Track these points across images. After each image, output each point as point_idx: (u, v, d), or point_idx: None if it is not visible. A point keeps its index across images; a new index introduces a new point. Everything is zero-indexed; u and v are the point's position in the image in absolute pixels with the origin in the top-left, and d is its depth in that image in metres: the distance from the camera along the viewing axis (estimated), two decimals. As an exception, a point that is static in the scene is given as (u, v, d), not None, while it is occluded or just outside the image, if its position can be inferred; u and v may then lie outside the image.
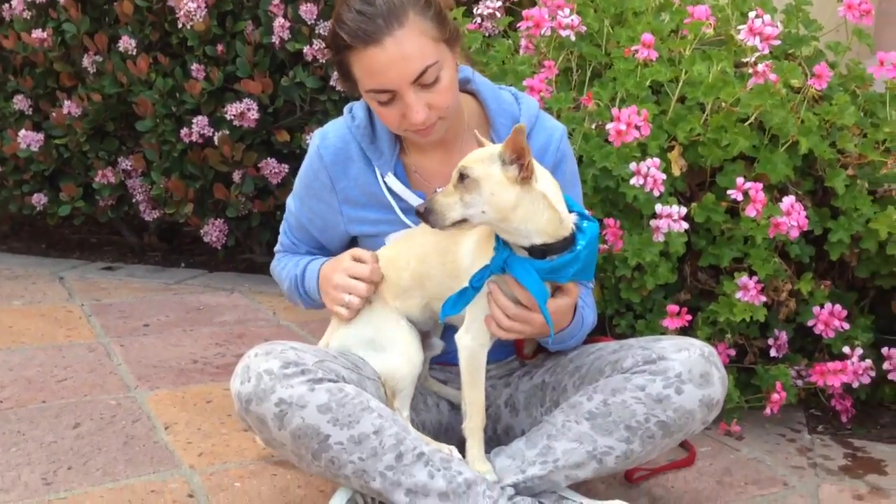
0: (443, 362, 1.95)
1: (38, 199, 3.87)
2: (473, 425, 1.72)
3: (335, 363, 1.68)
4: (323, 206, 1.92)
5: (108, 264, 3.94)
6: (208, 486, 1.90)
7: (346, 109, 1.92)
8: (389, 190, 1.86)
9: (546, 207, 1.59)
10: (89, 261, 4.00)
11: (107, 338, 2.86)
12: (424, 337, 1.86)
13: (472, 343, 1.71)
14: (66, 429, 2.15)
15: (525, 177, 1.57)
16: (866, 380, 2.18)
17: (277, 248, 2.08)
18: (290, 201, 2.00)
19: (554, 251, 1.62)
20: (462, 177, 1.57)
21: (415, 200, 1.84)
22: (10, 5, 3.67)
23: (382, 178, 1.86)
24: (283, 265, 2.02)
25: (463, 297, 1.65)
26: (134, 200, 3.84)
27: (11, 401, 2.30)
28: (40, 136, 3.73)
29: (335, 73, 3.36)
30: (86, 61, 3.60)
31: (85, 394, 2.37)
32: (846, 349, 2.20)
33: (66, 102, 3.65)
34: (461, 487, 1.61)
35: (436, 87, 1.69)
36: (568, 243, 1.63)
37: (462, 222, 1.59)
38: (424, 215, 1.58)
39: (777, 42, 2.24)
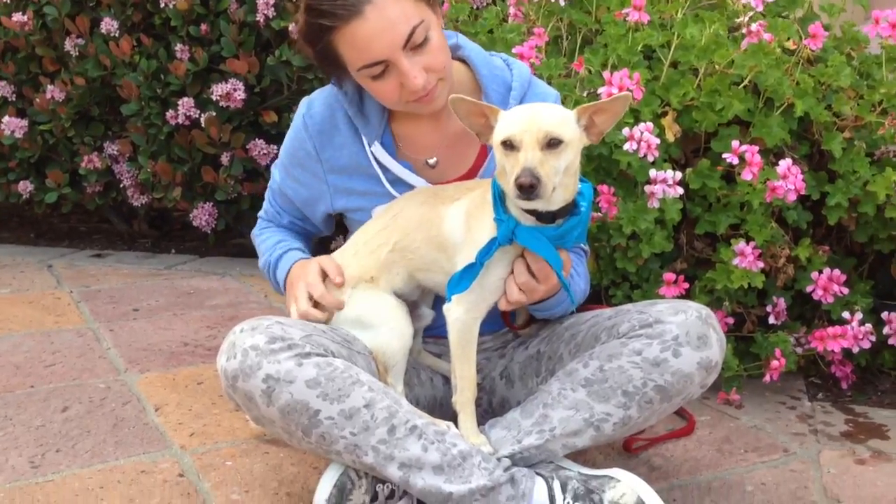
0: (436, 335, 1.91)
1: (25, 187, 3.81)
2: (464, 399, 1.69)
3: (324, 337, 1.64)
4: (308, 176, 1.88)
5: (97, 252, 3.89)
6: (199, 465, 1.86)
7: (333, 78, 1.86)
8: (376, 160, 1.82)
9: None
10: (78, 249, 3.94)
11: (96, 323, 2.82)
12: (413, 307, 1.83)
13: (465, 316, 1.66)
14: (54, 412, 2.11)
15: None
16: (866, 344, 2.15)
17: (261, 213, 2.05)
18: (275, 170, 1.98)
19: (561, 215, 1.58)
20: (552, 142, 1.50)
21: (400, 170, 1.81)
22: (-10, -11, 3.60)
23: (369, 146, 1.81)
24: (263, 239, 2.01)
25: (469, 273, 1.61)
26: (122, 186, 3.78)
27: (-2, 386, 2.26)
28: (24, 122, 3.67)
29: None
30: (68, 45, 3.54)
31: (73, 378, 2.33)
32: (846, 314, 2.17)
33: (50, 87, 3.59)
34: (456, 460, 1.57)
35: (427, 47, 1.66)
36: (571, 206, 1.60)
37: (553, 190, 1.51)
38: (532, 188, 1.46)
39: (770, 0, 2.19)
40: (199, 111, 3.46)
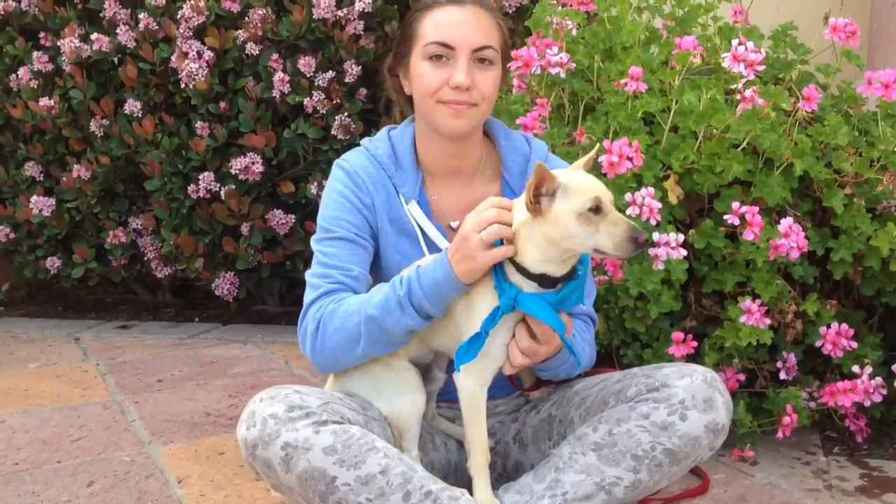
0: (450, 399, 1.95)
1: (52, 263, 3.94)
2: (478, 463, 1.72)
3: (340, 405, 1.68)
4: (362, 221, 1.83)
5: (123, 323, 3.98)
6: (221, 536, 1.90)
7: (362, 143, 1.93)
8: (414, 219, 1.86)
9: None
10: (105, 320, 4.04)
11: (121, 395, 2.89)
12: (425, 371, 1.87)
13: (471, 383, 1.71)
14: (80, 487, 2.16)
15: None
16: (878, 398, 2.16)
17: (313, 296, 1.76)
18: (318, 235, 1.83)
19: (565, 280, 1.64)
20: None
21: (433, 232, 1.85)
22: (17, 75, 3.77)
23: (406, 204, 1.86)
24: (346, 305, 1.72)
25: (475, 342, 1.65)
26: (146, 258, 3.90)
27: (27, 462, 2.32)
28: (52, 200, 3.81)
29: (335, 123, 3.44)
30: (93, 126, 3.69)
31: (99, 452, 2.39)
32: (856, 368, 2.19)
33: (76, 166, 3.73)
34: (470, 525, 1.60)
35: (487, 72, 1.78)
36: (572, 271, 1.65)
37: None
38: (643, 244, 1.57)
39: (762, 67, 2.27)
40: (219, 185, 3.58)
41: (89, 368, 3.22)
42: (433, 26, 1.78)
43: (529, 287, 1.64)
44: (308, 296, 1.78)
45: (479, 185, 1.91)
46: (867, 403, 2.15)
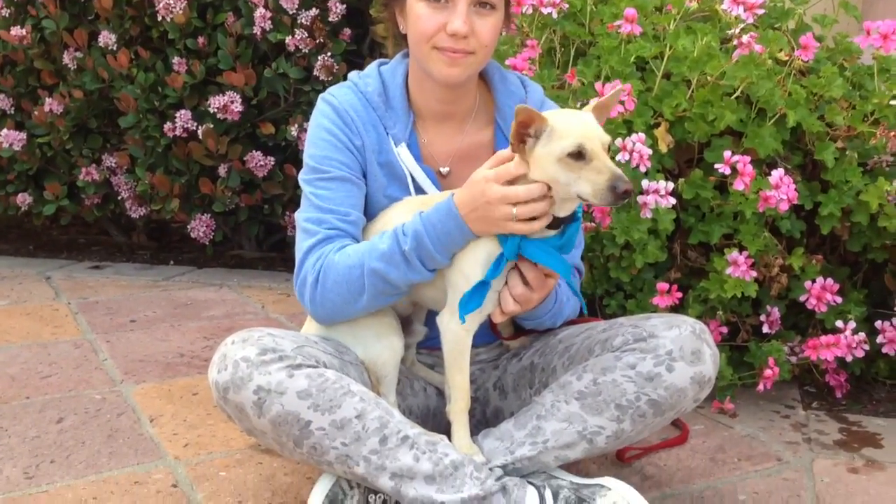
0: (429, 346, 1.91)
1: (23, 199, 3.83)
2: (458, 409, 1.69)
3: (315, 348, 1.64)
4: (354, 158, 1.76)
5: (95, 263, 3.90)
6: (193, 476, 1.86)
7: (349, 79, 1.84)
8: (403, 162, 1.79)
9: None
10: (77, 260, 3.96)
11: (93, 334, 2.83)
12: (406, 323, 1.83)
13: (457, 328, 1.66)
14: (49, 423, 2.11)
15: None
16: (860, 353, 2.15)
17: (310, 243, 1.69)
18: (308, 176, 1.75)
19: (565, 221, 1.60)
20: (608, 148, 1.54)
21: (422, 177, 1.79)
22: (-11, 3, 3.63)
23: (395, 147, 1.79)
24: (346, 256, 1.66)
25: (479, 292, 1.60)
26: (120, 198, 3.80)
27: (-6, 398, 2.27)
28: (23, 135, 3.69)
29: (318, 63, 3.34)
30: (66, 58, 3.56)
31: (69, 389, 2.34)
32: (839, 323, 2.17)
33: (48, 100, 3.61)
34: (448, 469, 1.57)
35: (486, 18, 1.69)
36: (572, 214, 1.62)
37: None
38: (630, 194, 1.49)
39: (761, 11, 2.21)
40: (196, 123, 3.48)
41: (60, 307, 3.15)
42: None
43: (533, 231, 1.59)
44: (303, 242, 1.71)
45: (472, 130, 1.85)
46: (849, 359, 2.15)
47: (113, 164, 3.74)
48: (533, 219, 1.57)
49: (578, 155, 1.51)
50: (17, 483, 1.82)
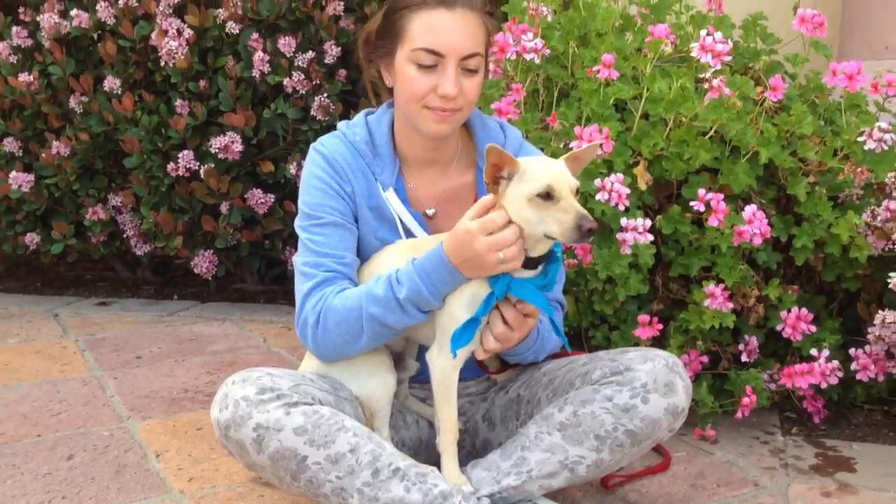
0: (421, 381, 2.00)
1: (31, 239, 3.95)
2: (447, 440, 1.78)
3: (311, 386, 1.74)
4: (346, 205, 1.87)
5: (102, 300, 4.01)
6: (197, 509, 1.96)
7: (339, 128, 1.95)
8: (392, 207, 1.89)
9: None
10: (84, 297, 4.06)
11: (100, 371, 2.93)
12: (399, 359, 1.93)
13: (444, 363, 1.77)
14: (60, 460, 2.21)
15: None
16: (834, 380, 2.24)
17: (309, 286, 1.79)
18: (303, 222, 1.86)
19: (542, 261, 1.71)
20: (576, 191, 1.66)
21: (409, 220, 1.89)
22: (-3, 50, 3.77)
23: (384, 191, 1.89)
24: (345, 299, 1.75)
25: (470, 328, 1.71)
26: (125, 235, 3.92)
27: (7, 436, 2.36)
28: (31, 176, 3.81)
29: (315, 103, 3.47)
30: (72, 102, 3.69)
31: (79, 426, 2.44)
32: (814, 351, 2.27)
33: (55, 143, 3.73)
34: (437, 499, 1.66)
35: (472, 78, 1.80)
36: (549, 253, 1.72)
37: None
38: (593, 232, 1.60)
39: (729, 58, 2.32)
40: (198, 163, 3.60)
41: (68, 344, 3.25)
42: (423, 30, 1.76)
43: (516, 271, 1.69)
44: (303, 285, 1.81)
45: (455, 174, 1.96)
46: (823, 385, 2.23)
47: (118, 203, 3.85)
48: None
49: (547, 196, 1.62)
50: (30, 519, 1.91)
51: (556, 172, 1.65)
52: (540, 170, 1.65)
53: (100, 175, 3.90)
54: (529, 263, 1.70)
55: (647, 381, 1.72)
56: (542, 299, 1.71)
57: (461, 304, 1.72)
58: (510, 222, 1.66)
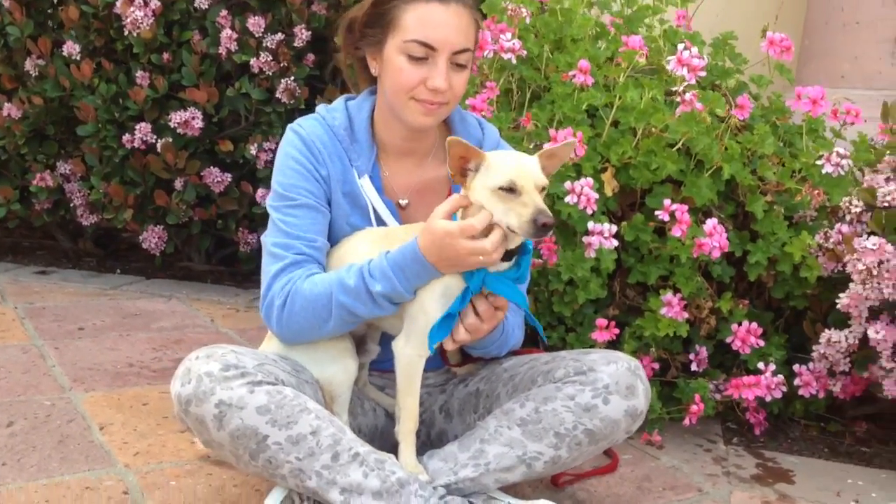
0: (381, 369, 2.01)
1: (-28, 201, 3.81)
2: (406, 429, 1.79)
3: (275, 367, 1.72)
4: (320, 188, 1.86)
5: (41, 268, 3.89)
6: (143, 484, 1.92)
7: (317, 111, 1.93)
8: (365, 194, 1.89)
9: None
10: (22, 265, 3.94)
11: (41, 340, 2.85)
12: (360, 343, 1.93)
13: (411, 353, 1.77)
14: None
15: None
16: (778, 394, 2.31)
17: (277, 267, 1.78)
18: (276, 202, 1.84)
19: (516, 252, 1.72)
20: (543, 188, 1.66)
21: (382, 208, 1.89)
22: (-49, 7, 3.63)
23: (359, 178, 1.89)
24: (313, 284, 1.74)
25: (447, 323, 1.71)
26: (71, 205, 3.81)
27: (-58, 400, 2.28)
28: (-23, 136, 3.68)
29: (281, 86, 3.43)
30: (28, 65, 3.58)
31: (19, 394, 2.37)
32: (760, 365, 2.34)
33: (6, 105, 3.62)
34: (394, 486, 1.67)
35: (460, 73, 1.81)
36: (521, 246, 1.74)
37: None
38: (550, 227, 1.60)
39: (703, 73, 2.38)
40: (155, 137, 3.52)
41: (7, 311, 3.15)
42: (416, 22, 1.76)
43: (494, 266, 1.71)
44: (270, 266, 1.79)
45: (431, 166, 1.96)
46: (768, 398, 2.30)
47: (67, 171, 3.75)
48: None
49: (510, 190, 1.63)
50: (-32, 484, 1.85)
51: (520, 167, 1.66)
52: (504, 163, 1.67)
53: (50, 141, 3.79)
54: (504, 255, 1.71)
55: (609, 383, 1.75)
56: (516, 291, 1.72)
57: (433, 297, 1.72)
58: (493, 225, 1.66)
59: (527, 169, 1.66)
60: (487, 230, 1.67)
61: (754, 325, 2.35)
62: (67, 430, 2.16)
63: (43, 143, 3.79)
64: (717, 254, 2.26)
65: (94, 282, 3.72)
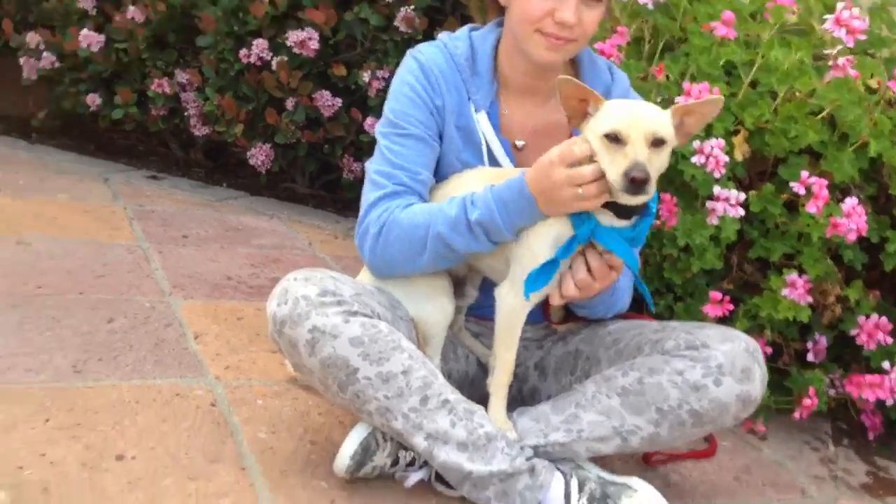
0: (479, 315, 1.94)
1: (93, 100, 3.88)
2: (500, 382, 1.71)
3: (371, 299, 1.67)
4: (433, 119, 1.79)
5: (153, 173, 3.96)
6: (231, 398, 1.92)
7: (439, 39, 1.85)
8: (481, 130, 1.81)
9: None
10: (135, 168, 4.01)
11: (147, 243, 2.89)
12: (459, 285, 1.85)
13: (514, 302, 1.68)
14: (100, 322, 2.17)
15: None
16: (901, 398, 2.14)
17: (377, 195, 1.72)
18: (385, 129, 1.78)
19: (637, 212, 1.61)
20: (657, 141, 1.53)
21: (497, 148, 1.81)
22: None
23: (475, 113, 1.80)
24: (412, 214, 1.68)
25: (548, 270, 1.61)
26: (186, 114, 3.84)
27: (50, 287, 2.33)
28: (101, 37, 3.72)
29: (400, 14, 3.33)
30: (155, -31, 3.58)
31: (122, 292, 2.40)
32: (885, 364, 2.16)
33: (131, 7, 3.64)
34: (481, 440, 1.61)
35: (593, 10, 1.70)
36: (643, 206, 1.62)
37: None
38: (645, 183, 1.49)
39: (863, 37, 2.16)
40: (271, 54, 3.49)
41: (117, 210, 3.21)
42: None
43: (605, 218, 1.59)
44: (371, 193, 1.74)
45: (553, 108, 1.84)
46: (890, 402, 2.13)
47: (184, 81, 3.77)
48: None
49: (615, 138, 1.51)
50: (65, 374, 1.89)
51: (630, 116, 1.53)
52: (615, 110, 1.55)
53: (170, 48, 3.81)
54: (622, 213, 1.59)
55: (724, 363, 1.62)
56: (628, 251, 1.61)
57: (544, 244, 1.63)
58: (592, 158, 1.55)
59: (638, 119, 1.53)
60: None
61: (884, 319, 2.17)
62: (164, 335, 2.18)
63: (163, 49, 3.81)
64: (853, 237, 2.08)
65: (202, 192, 3.76)
